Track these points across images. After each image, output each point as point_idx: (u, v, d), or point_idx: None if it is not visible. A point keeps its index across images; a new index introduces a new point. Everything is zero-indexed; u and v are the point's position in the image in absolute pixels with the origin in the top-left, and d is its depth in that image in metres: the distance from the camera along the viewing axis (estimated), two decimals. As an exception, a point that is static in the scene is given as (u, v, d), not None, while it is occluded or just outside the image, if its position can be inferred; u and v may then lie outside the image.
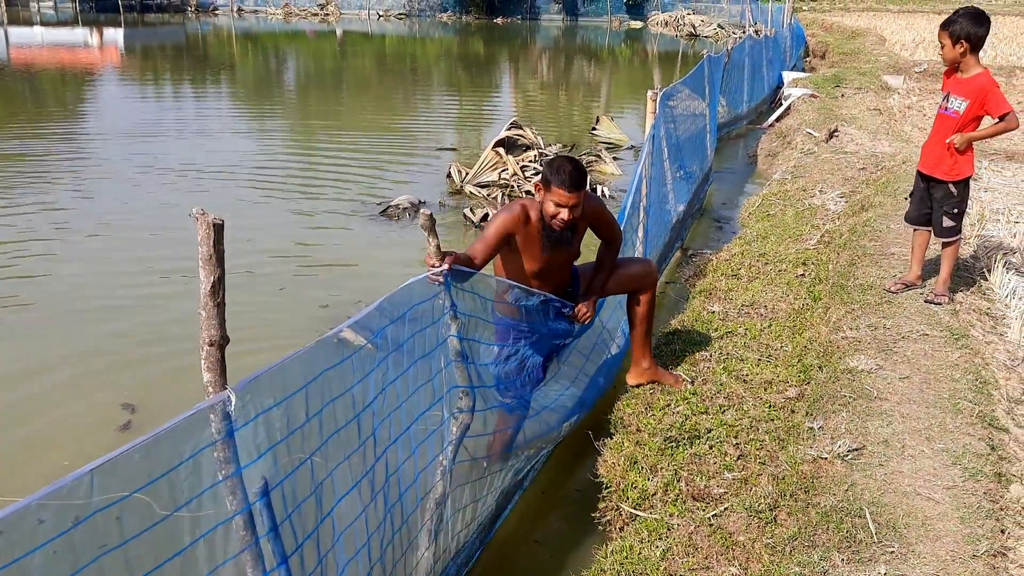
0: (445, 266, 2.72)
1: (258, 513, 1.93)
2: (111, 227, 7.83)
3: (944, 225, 4.66)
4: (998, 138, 10.32)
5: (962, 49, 4.41)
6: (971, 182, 4.75)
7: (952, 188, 4.61)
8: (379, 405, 2.38)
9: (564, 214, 3.50)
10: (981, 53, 4.52)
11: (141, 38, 34.38)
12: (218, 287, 1.95)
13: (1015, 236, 5.97)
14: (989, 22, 4.43)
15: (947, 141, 4.54)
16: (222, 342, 1.97)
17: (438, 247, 2.71)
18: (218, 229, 1.92)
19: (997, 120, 4.45)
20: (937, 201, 4.69)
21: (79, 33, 34.94)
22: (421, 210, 2.72)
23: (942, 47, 4.52)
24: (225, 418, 1.83)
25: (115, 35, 34.59)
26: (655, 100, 5.41)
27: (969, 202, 6.78)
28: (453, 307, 2.78)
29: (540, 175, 3.62)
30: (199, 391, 1.91)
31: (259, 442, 1.91)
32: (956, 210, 4.63)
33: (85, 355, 5.24)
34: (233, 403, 1.82)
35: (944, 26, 4.48)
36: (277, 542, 1.98)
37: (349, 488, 2.24)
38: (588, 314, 3.87)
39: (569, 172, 3.48)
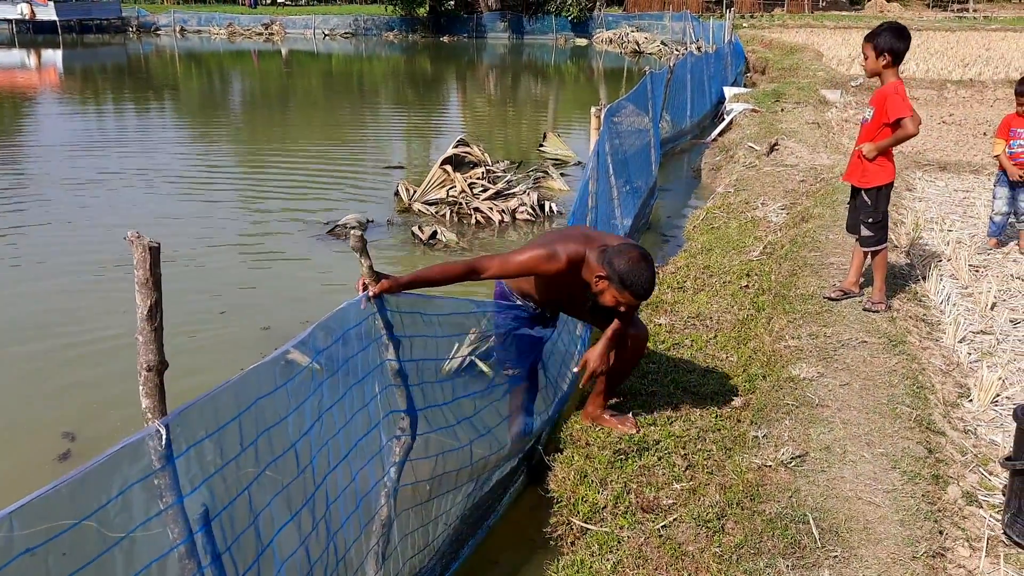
0: (372, 291, 2.65)
1: (200, 545, 1.90)
2: (44, 242, 7.67)
3: (862, 234, 4.81)
4: (934, 149, 10.66)
5: (885, 62, 4.54)
6: (907, 193, 4.90)
7: (865, 196, 4.75)
8: (317, 431, 2.35)
9: (623, 308, 3.41)
10: (901, 67, 4.67)
11: (81, 59, 33.77)
12: (155, 311, 1.92)
13: (948, 244, 6.16)
14: (910, 38, 4.57)
15: (856, 148, 4.77)
16: (160, 367, 1.94)
17: (371, 268, 2.66)
18: (154, 252, 1.89)
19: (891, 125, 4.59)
20: (857, 209, 4.85)
21: (16, 55, 34.21)
22: (352, 231, 2.67)
23: (865, 58, 4.64)
24: (163, 447, 1.80)
25: (54, 56, 33.94)
26: (599, 116, 5.48)
27: (905, 212, 6.98)
28: (389, 329, 2.72)
29: (609, 265, 3.29)
30: (140, 416, 1.87)
31: (193, 473, 1.88)
32: (871, 219, 4.75)
33: (22, 379, 5.09)
34: (164, 436, 1.79)
35: (868, 38, 4.59)
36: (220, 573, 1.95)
37: (290, 516, 2.22)
38: (597, 365, 3.67)
39: (647, 283, 3.30)
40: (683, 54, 15.42)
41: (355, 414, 2.59)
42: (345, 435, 2.53)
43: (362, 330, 2.63)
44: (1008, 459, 2.98)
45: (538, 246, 3.41)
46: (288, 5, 51.94)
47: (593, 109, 5.54)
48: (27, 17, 42.01)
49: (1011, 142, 5.89)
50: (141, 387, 1.92)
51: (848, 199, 5.08)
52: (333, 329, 2.45)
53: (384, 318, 2.71)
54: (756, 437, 3.63)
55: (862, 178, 4.75)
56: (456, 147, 9.69)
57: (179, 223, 8.65)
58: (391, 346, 2.75)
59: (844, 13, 48.20)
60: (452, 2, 46.43)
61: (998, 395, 4.00)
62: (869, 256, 4.89)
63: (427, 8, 44.90)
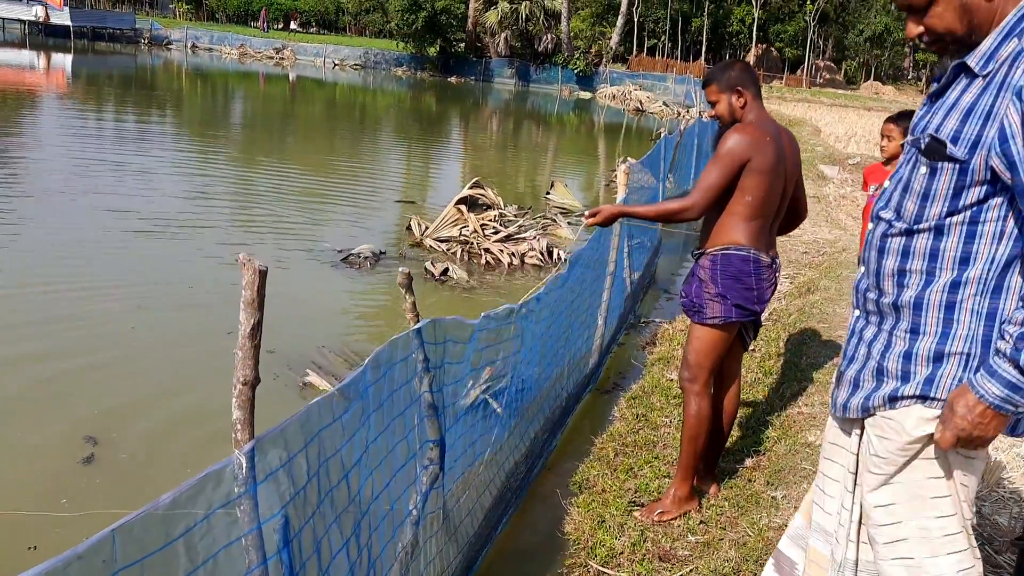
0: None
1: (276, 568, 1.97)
2: (45, 249, 7.72)
3: None
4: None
5: None
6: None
7: None
8: (364, 461, 2.42)
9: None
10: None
11: (89, 65, 33.97)
12: (257, 330, 2.06)
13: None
14: None
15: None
16: (255, 382, 2.06)
17: (414, 304, 2.73)
18: (262, 275, 2.03)
19: None
20: None
21: (26, 55, 34.41)
22: (400, 269, 2.73)
23: (889, 140, 4.61)
24: (247, 472, 1.88)
25: (63, 60, 34.14)
26: (627, 172, 5.66)
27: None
28: (426, 362, 2.77)
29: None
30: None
31: (271, 500, 1.96)
32: None
33: (36, 383, 5.12)
34: (244, 466, 1.87)
35: (897, 121, 4.55)
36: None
37: (341, 545, 2.29)
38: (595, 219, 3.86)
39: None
40: (684, 115, 15.76)
41: (396, 444, 2.67)
42: (387, 465, 2.61)
43: (405, 364, 2.68)
44: (1019, 539, 3.10)
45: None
46: (300, 32, 52.54)
47: (622, 165, 5.72)
48: (41, 20, 42.25)
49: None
50: (234, 400, 2.04)
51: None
52: (381, 363, 2.49)
53: (423, 351, 2.75)
54: (774, 498, 3.75)
55: None
56: (471, 188, 9.87)
57: (184, 244, 8.70)
58: (427, 378, 2.82)
59: (840, 91, 49.50)
60: (462, 44, 47.24)
61: (1002, 477, 4.13)
62: None
63: (437, 48, 45.62)
